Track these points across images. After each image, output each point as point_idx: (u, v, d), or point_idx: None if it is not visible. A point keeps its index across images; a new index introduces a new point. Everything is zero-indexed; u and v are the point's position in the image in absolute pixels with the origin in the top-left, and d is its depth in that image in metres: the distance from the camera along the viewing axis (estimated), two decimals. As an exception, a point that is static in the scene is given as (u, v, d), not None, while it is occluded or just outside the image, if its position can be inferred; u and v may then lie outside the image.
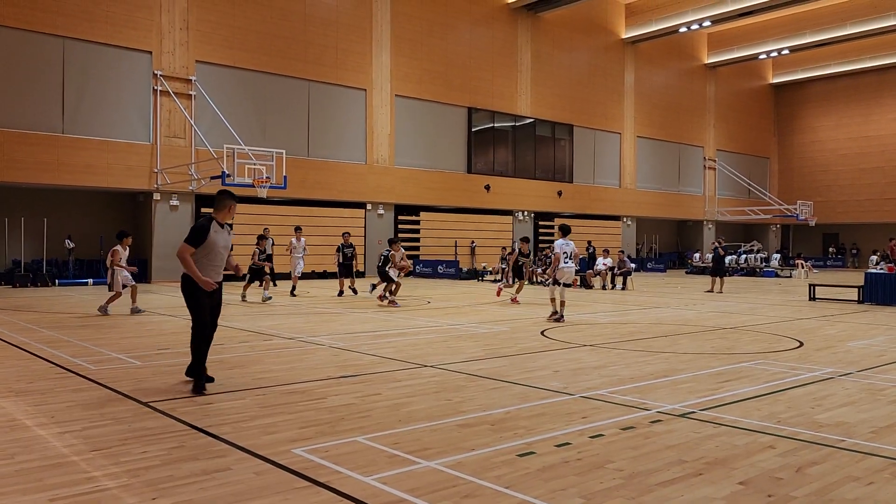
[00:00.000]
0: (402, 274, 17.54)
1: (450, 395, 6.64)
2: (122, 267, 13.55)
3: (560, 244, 13.22)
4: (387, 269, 16.20)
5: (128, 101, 23.63)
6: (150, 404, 6.17)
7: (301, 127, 27.45)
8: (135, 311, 13.68)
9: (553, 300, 13.33)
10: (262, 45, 26.24)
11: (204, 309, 6.66)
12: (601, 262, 24.42)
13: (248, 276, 17.04)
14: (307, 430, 5.36)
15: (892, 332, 12.12)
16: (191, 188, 24.57)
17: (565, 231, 13.49)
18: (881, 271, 18.77)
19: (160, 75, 23.91)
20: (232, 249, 7.24)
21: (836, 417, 5.94)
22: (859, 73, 44.02)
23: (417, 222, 30.90)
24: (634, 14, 37.80)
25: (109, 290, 13.76)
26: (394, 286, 16.36)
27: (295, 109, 27.28)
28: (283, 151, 22.95)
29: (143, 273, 24.50)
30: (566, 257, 13.16)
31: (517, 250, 18.02)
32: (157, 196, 24.18)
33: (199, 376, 6.65)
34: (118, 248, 13.55)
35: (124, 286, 13.69)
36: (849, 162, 45.02)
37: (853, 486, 4.25)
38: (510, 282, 19.22)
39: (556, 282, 13.24)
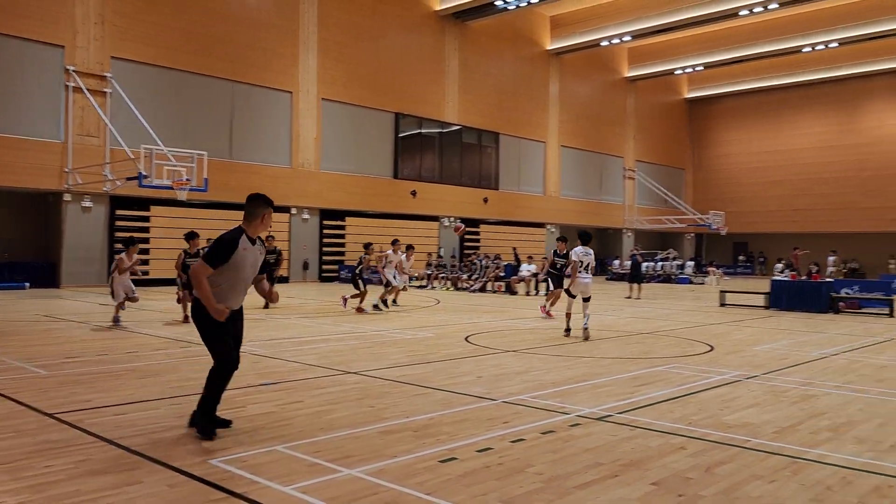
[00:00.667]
0: (407, 278, 18.11)
1: (373, 402, 6.61)
2: (130, 268, 12.67)
3: (578, 252, 11.87)
4: (360, 273, 16.18)
5: (38, 97, 22.47)
6: (56, 415, 5.88)
7: (224, 128, 26.79)
8: (116, 320, 12.63)
9: (568, 315, 12.17)
10: (183, 43, 25.48)
11: (227, 342, 5.40)
12: (525, 269, 24.81)
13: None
14: (225, 440, 5.22)
15: (794, 336, 12.79)
16: (105, 189, 23.58)
17: (585, 239, 12.10)
18: (785, 279, 19.81)
19: (73, 71, 22.86)
20: (268, 274, 6.11)
21: (743, 418, 6.22)
22: (766, 91, 46.37)
23: (343, 227, 30.63)
24: (559, 26, 38.68)
25: (113, 300, 12.77)
26: (392, 290, 16.84)
27: (218, 110, 26.60)
28: (205, 153, 22.32)
29: (52, 277, 23.36)
30: (583, 267, 11.80)
31: (553, 252, 14.99)
32: (67, 197, 23.09)
33: (211, 420, 5.35)
34: (123, 256, 12.64)
35: (128, 297, 12.70)
36: (757, 175, 47.32)
37: (757, 485, 4.46)
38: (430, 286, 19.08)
39: (570, 294, 12.15)
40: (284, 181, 28.06)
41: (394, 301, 17.75)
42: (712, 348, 10.85)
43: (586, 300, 11.87)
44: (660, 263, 36.78)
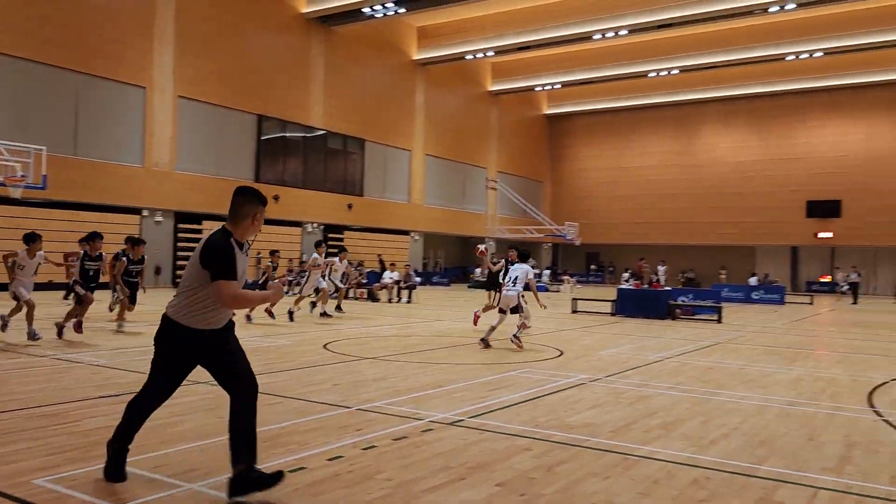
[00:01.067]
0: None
1: (223, 413, 6.35)
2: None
3: (514, 268, 12.22)
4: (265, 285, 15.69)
5: None
6: None
7: (68, 123, 24.88)
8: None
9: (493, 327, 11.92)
10: (24, 29, 23.43)
11: (244, 360, 4.48)
12: (388, 276, 24.90)
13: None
14: (55, 457, 4.86)
15: (636, 341, 13.71)
16: (-77, 183, 21.19)
17: (522, 257, 12.46)
18: (630, 287, 21.18)
19: None
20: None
21: (585, 419, 6.60)
22: (618, 111, 49.53)
23: (200, 231, 29.33)
24: (425, 37, 39.29)
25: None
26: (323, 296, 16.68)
27: (61, 103, 24.67)
28: (44, 148, 20.63)
29: None
30: (509, 281, 12.08)
31: (505, 260, 14.43)
32: None
33: (256, 475, 4.22)
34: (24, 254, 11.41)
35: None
36: (608, 189, 50.35)
37: (594, 481, 4.75)
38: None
39: (501, 309, 12.15)
40: (136, 181, 26.50)
41: (337, 307, 17.98)
42: (562, 353, 11.41)
43: (513, 312, 12.14)
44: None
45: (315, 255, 16.47)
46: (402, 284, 24.19)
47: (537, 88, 46.44)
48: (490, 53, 38.72)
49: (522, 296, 12.18)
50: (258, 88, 30.97)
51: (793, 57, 37.66)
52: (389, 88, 38.12)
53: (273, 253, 16.71)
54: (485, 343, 11.66)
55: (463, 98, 43.96)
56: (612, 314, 19.89)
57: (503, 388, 7.97)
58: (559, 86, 45.25)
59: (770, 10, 31.25)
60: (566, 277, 38.42)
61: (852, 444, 5.92)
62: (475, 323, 14.58)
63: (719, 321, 18.75)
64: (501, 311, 12.17)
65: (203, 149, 29.07)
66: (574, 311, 20.84)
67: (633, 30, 34.56)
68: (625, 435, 6.05)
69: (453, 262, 46.88)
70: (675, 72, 41.16)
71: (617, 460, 5.27)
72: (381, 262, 27.04)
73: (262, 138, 31.45)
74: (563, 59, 42.50)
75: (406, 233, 39.62)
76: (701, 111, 46.94)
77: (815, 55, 37.14)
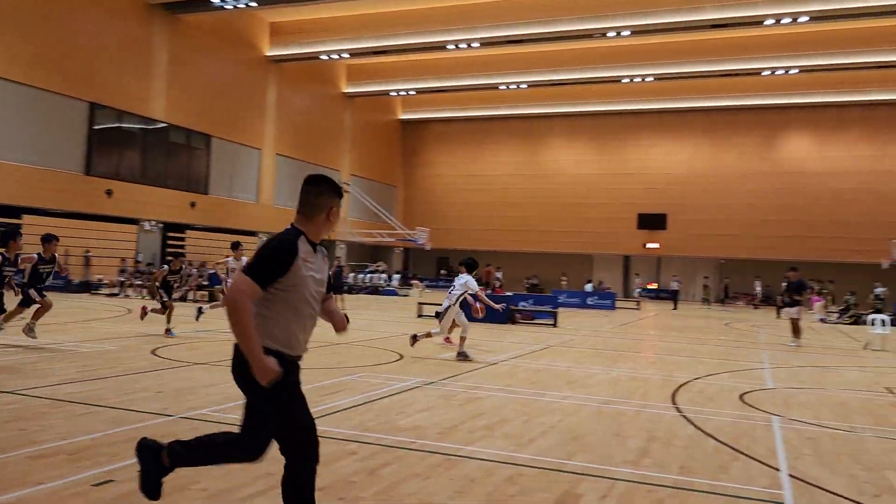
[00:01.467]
0: None
1: (25, 425, 5.90)
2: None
3: (456, 278, 12.34)
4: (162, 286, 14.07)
5: None
6: None
7: None
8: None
9: (462, 339, 11.90)
10: None
11: (301, 408, 3.55)
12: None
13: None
14: None
15: (475, 344, 14.11)
16: None
17: (467, 268, 12.30)
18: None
19: None
20: (331, 293, 3.97)
21: (415, 422, 6.74)
22: (471, 120, 50.95)
23: (19, 226, 26.76)
24: (279, 34, 38.35)
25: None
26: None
27: None
28: None
29: None
30: (451, 290, 12.23)
31: None
32: None
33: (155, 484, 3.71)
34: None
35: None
36: (460, 196, 51.63)
37: (415, 482, 4.87)
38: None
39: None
40: (-59, 168, 23.77)
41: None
42: (402, 357, 11.57)
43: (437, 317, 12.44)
44: (368, 275, 38.18)
45: (230, 258, 15.49)
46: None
47: (392, 93, 46.75)
48: (345, 55, 38.49)
49: (455, 306, 12.03)
50: (90, 74, 28.76)
51: (627, 80, 40.56)
52: (239, 84, 36.83)
53: (176, 256, 14.62)
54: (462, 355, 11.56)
55: (317, 98, 43.35)
56: (456, 318, 20.37)
57: (337, 393, 7.97)
58: (414, 92, 45.82)
59: (608, 34, 33.48)
60: (415, 282, 38.93)
61: (652, 439, 6.48)
62: (447, 342, 13.83)
63: (555, 325, 19.78)
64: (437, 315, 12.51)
65: (24, 136, 26.51)
66: (420, 316, 21.16)
67: (485, 43, 35.71)
68: (451, 436, 6.25)
69: (303, 264, 46.01)
70: (524, 86, 42.98)
71: (440, 461, 5.44)
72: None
73: (95, 128, 29.24)
74: (418, 66, 43.09)
75: (254, 233, 38.39)
76: (547, 125, 49.36)
77: (646, 79, 40.22)
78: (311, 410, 3.64)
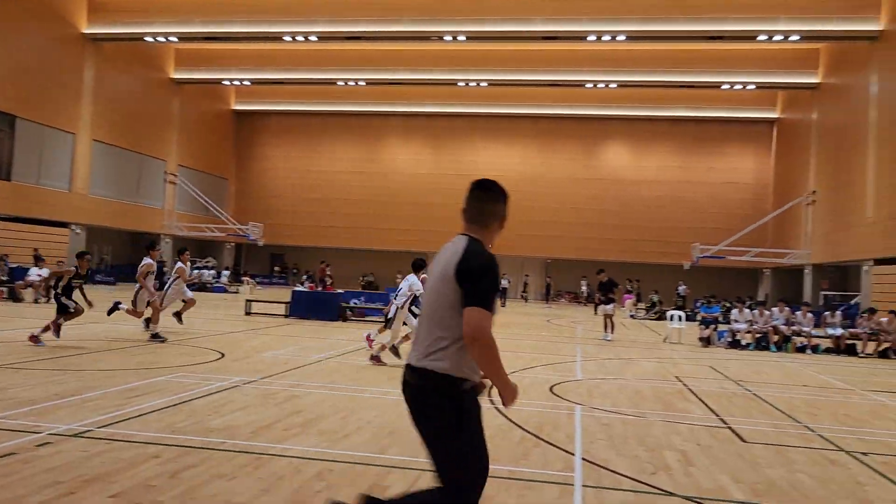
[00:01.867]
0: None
1: None
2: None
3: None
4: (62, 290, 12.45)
5: None
6: None
7: None
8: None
9: (406, 337, 11.77)
10: None
11: (483, 450, 3.31)
12: (35, 273, 21.97)
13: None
14: None
15: (302, 342, 14.00)
16: None
17: (414, 267, 11.80)
18: (304, 289, 21.56)
19: None
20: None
21: (228, 422, 6.57)
22: (309, 115, 50.00)
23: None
24: (98, 11, 35.47)
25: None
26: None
27: None
28: None
29: None
30: (396, 293, 12.00)
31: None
32: None
33: None
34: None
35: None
36: (296, 191, 50.56)
37: (219, 483, 4.77)
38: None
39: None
40: None
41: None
42: (223, 355, 11.19)
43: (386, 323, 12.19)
44: (195, 271, 36.39)
45: (179, 262, 14.66)
46: (51, 283, 21.47)
47: (225, 82, 44.84)
48: (173, 38, 36.39)
49: (404, 309, 11.66)
50: None
51: (462, 83, 41.78)
52: (50, 62, 33.61)
53: (81, 255, 13.23)
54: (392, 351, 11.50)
55: (141, 82, 40.56)
56: (286, 316, 20.03)
57: (147, 395, 7.57)
58: (248, 82, 44.25)
59: (444, 38, 34.30)
60: (247, 279, 37.67)
61: (464, 430, 6.77)
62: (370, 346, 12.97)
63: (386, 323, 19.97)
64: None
65: None
66: (248, 313, 20.54)
67: (323, 37, 35.25)
68: (264, 435, 6.17)
69: (122, 259, 42.95)
70: (362, 83, 42.93)
71: (249, 460, 5.36)
72: (38, 257, 23.68)
73: None
74: (253, 55, 41.67)
75: (66, 225, 35.27)
76: (385, 123, 49.60)
77: (480, 84, 41.68)
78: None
